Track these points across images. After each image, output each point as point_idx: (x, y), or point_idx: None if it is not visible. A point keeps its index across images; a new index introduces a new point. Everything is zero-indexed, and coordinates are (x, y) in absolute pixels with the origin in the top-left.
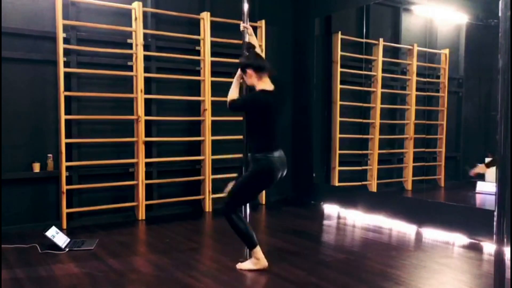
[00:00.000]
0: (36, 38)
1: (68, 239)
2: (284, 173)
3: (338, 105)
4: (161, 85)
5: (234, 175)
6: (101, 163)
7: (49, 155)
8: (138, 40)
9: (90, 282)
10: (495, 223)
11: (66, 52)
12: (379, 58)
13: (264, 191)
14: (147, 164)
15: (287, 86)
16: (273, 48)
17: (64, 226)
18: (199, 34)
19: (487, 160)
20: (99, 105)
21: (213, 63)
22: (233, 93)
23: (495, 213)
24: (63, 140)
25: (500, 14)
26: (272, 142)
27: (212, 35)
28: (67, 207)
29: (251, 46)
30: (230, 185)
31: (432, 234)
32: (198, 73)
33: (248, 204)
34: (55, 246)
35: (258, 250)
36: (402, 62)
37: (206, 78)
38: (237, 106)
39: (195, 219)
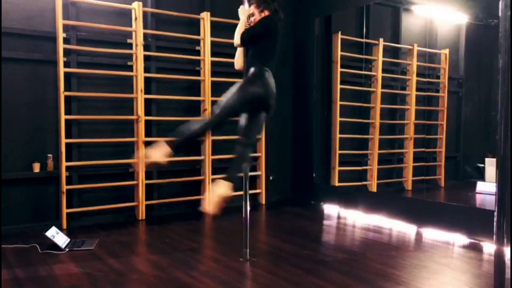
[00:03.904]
0: (36, 38)
1: (68, 239)
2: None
3: (338, 105)
4: (161, 85)
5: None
6: (101, 163)
7: (49, 155)
8: (138, 40)
9: (90, 282)
10: (495, 223)
11: (66, 52)
12: (379, 58)
13: (264, 191)
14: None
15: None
16: None
17: (64, 226)
18: (199, 34)
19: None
20: (99, 105)
21: (213, 63)
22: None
23: (495, 213)
24: (63, 140)
25: (500, 14)
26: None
27: (212, 35)
28: (67, 207)
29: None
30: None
31: (432, 234)
32: (198, 73)
33: (248, 204)
34: (55, 246)
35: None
36: (402, 62)
37: (206, 78)
38: (253, 33)
39: (195, 219)
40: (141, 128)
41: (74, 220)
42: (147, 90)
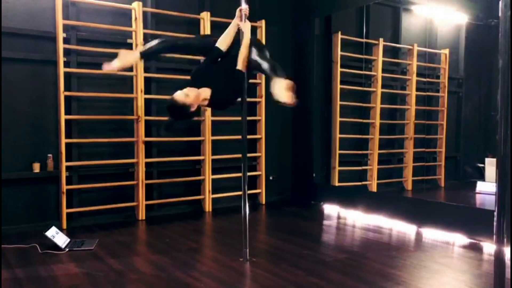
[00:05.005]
0: (36, 38)
1: (68, 239)
2: None
3: (338, 105)
4: (161, 85)
5: (234, 175)
6: (101, 163)
7: (49, 155)
8: (138, 40)
9: (90, 282)
10: (495, 223)
11: (66, 52)
12: (379, 58)
13: (264, 191)
14: (147, 164)
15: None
16: (273, 48)
17: (64, 226)
18: (199, 34)
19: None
20: (99, 105)
21: None
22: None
23: (495, 213)
24: (63, 140)
25: (500, 14)
26: None
27: (212, 35)
28: (67, 207)
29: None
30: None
31: (432, 234)
32: None
33: (247, 204)
34: (55, 246)
35: None
36: (402, 62)
37: None
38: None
39: (195, 219)
40: (141, 128)
41: (74, 220)
42: (147, 90)
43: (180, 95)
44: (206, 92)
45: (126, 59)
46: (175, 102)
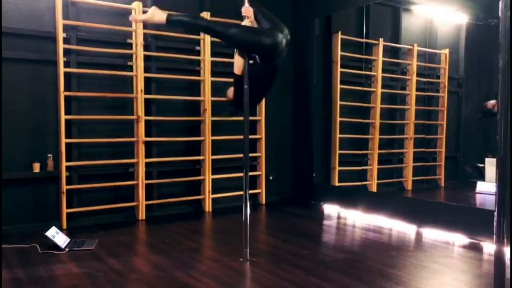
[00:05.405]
0: (36, 38)
1: (68, 239)
2: None
3: (338, 105)
4: (161, 85)
5: (234, 175)
6: (101, 163)
7: (49, 155)
8: (138, 40)
9: (90, 282)
10: (495, 223)
11: (66, 52)
12: (379, 58)
13: (264, 191)
14: (147, 164)
15: None
16: None
17: (64, 226)
18: (199, 34)
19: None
20: (99, 105)
21: (213, 63)
22: None
23: (495, 213)
24: (63, 140)
25: (500, 14)
26: None
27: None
28: (67, 207)
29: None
30: None
31: (432, 234)
32: (198, 73)
33: (248, 204)
34: (55, 246)
35: None
36: (402, 62)
37: (206, 78)
38: None
39: (195, 219)
40: (141, 128)
41: (74, 220)
42: (147, 90)
43: (228, 90)
44: None
45: (153, 17)
46: (225, 95)
